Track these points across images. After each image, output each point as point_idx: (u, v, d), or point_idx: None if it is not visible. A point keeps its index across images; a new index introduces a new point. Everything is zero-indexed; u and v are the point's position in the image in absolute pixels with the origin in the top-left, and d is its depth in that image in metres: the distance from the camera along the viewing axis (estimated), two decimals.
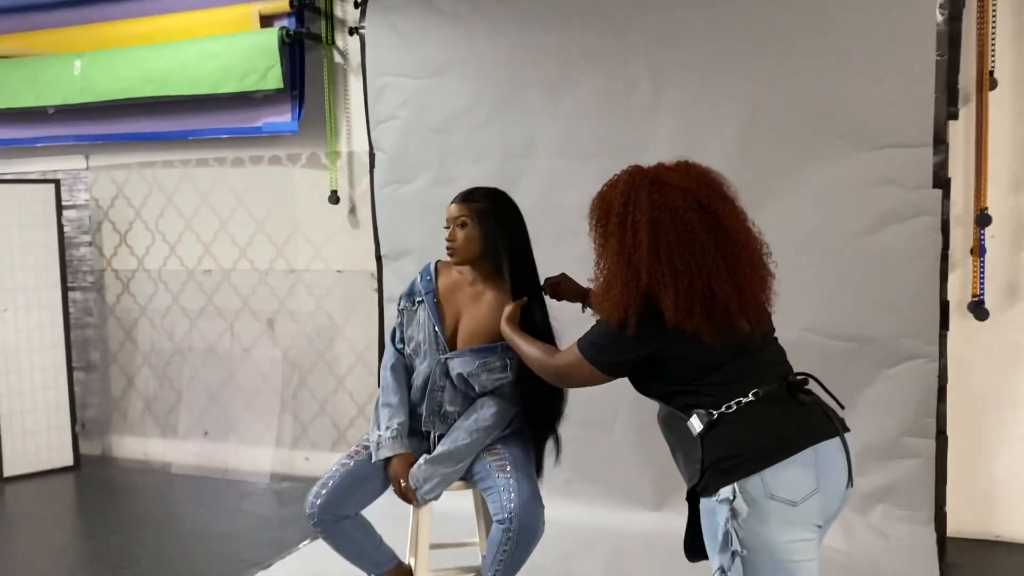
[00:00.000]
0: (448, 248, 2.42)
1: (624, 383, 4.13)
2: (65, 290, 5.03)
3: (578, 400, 3.71)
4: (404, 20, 4.13)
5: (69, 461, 5.05)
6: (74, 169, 5.28)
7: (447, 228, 2.43)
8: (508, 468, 2.29)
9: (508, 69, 3.98)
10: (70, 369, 5.06)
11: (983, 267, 3.52)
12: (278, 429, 4.85)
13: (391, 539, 2.62)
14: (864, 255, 3.50)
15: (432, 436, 2.48)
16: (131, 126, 4.89)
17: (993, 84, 3.44)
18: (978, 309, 3.53)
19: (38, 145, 5.20)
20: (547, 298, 2.48)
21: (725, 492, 1.65)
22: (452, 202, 2.44)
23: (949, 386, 3.52)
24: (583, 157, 3.89)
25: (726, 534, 1.64)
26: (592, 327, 1.87)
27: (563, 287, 2.47)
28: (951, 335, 3.51)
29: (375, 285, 4.48)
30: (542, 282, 2.44)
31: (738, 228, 1.80)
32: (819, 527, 1.72)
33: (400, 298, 2.56)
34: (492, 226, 2.38)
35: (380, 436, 2.39)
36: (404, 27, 4.13)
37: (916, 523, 3.53)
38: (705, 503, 1.74)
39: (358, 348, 4.70)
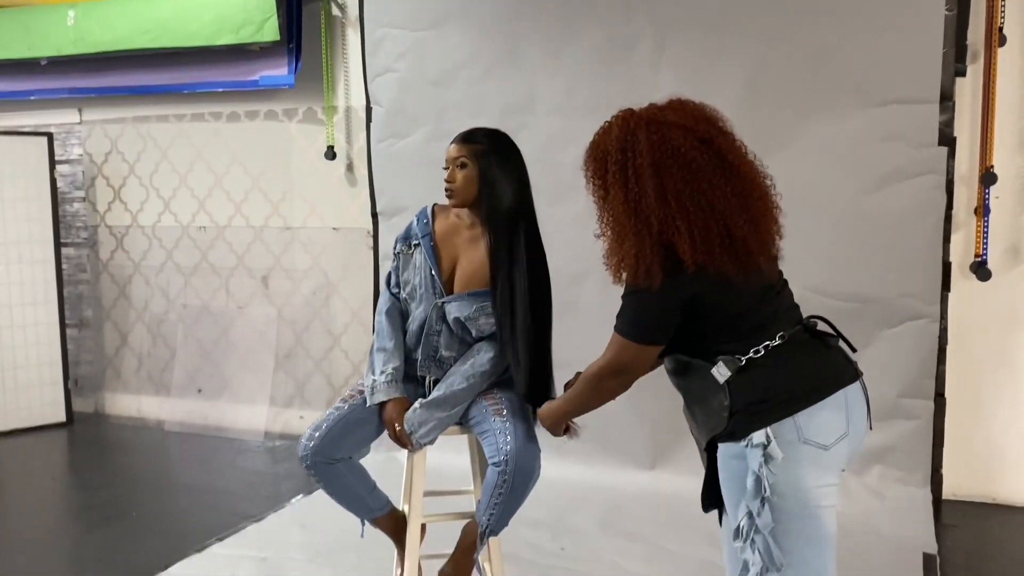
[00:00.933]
0: (447, 189, 2.36)
1: None
2: (58, 245, 4.98)
3: (573, 360, 3.69)
4: None
5: (62, 417, 5.02)
6: (67, 123, 5.21)
7: (446, 169, 2.38)
8: (505, 412, 2.25)
9: (508, 22, 3.91)
10: (63, 325, 5.02)
11: (987, 227, 3.48)
12: (272, 387, 4.83)
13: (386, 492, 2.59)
14: (867, 213, 3.46)
15: (428, 381, 2.44)
16: (125, 79, 4.81)
17: (1002, 40, 3.39)
18: (980, 269, 3.49)
19: (31, 98, 5.13)
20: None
21: (758, 437, 1.61)
22: (452, 142, 2.39)
23: (949, 348, 3.50)
24: (583, 113, 3.83)
25: (757, 479, 1.61)
26: (621, 307, 1.78)
27: None
28: (952, 296, 3.48)
29: (371, 243, 4.43)
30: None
31: (742, 161, 1.73)
32: (842, 471, 1.69)
33: (396, 241, 2.51)
34: (491, 167, 2.33)
35: (375, 381, 2.35)
36: None
37: (912, 484, 3.52)
38: (728, 448, 1.69)
39: (354, 306, 4.66)
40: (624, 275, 1.72)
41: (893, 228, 3.45)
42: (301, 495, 3.75)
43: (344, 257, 4.65)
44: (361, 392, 2.39)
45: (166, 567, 3.05)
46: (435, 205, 2.51)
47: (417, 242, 2.43)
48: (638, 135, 1.68)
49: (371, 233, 4.40)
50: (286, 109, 4.65)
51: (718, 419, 1.67)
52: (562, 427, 2.12)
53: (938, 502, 3.53)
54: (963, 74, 3.40)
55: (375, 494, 2.42)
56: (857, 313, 3.50)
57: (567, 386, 2.16)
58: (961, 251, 3.55)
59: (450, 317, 2.36)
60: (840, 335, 1.79)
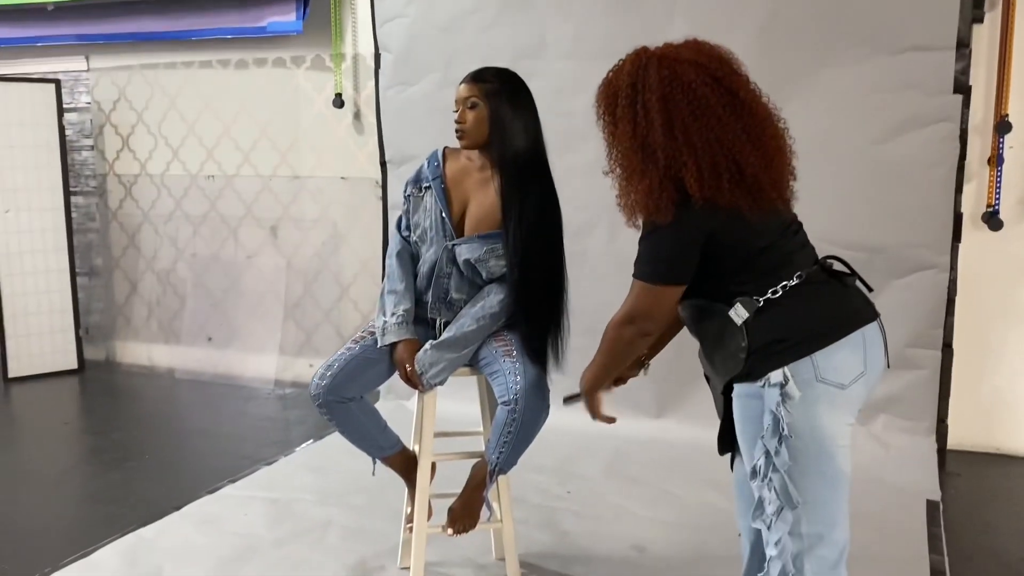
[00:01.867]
0: (457, 130, 2.35)
1: (624, 290, 4.10)
2: (67, 193, 4.99)
3: (582, 309, 3.69)
4: None
5: (73, 365, 5.07)
6: (75, 71, 5.18)
7: (456, 110, 2.37)
8: (514, 353, 2.27)
9: None
10: (73, 273, 5.05)
11: (1000, 177, 3.45)
12: (282, 336, 4.86)
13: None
14: (879, 162, 3.44)
15: (438, 323, 2.45)
16: (133, 25, 4.78)
17: None
18: (992, 220, 3.47)
19: (38, 45, 5.09)
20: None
21: (776, 376, 1.62)
22: (462, 82, 2.37)
23: (958, 298, 3.50)
24: (595, 58, 3.73)
25: (775, 418, 1.61)
26: (637, 254, 1.75)
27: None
28: (963, 246, 3.47)
29: (380, 193, 4.43)
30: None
31: (755, 100, 1.72)
32: (859, 411, 1.70)
33: (406, 184, 2.51)
34: (503, 107, 2.31)
35: (385, 322, 2.36)
36: None
37: (917, 434, 3.55)
38: (743, 388, 1.70)
39: (363, 256, 4.66)
40: (638, 216, 1.70)
41: (905, 177, 3.43)
42: (312, 440, 3.79)
43: (353, 207, 4.64)
44: (372, 333, 2.41)
45: (179, 507, 3.10)
46: (446, 148, 2.50)
47: (428, 185, 2.43)
48: (649, 70, 1.67)
49: (379, 182, 4.39)
50: (294, 56, 4.62)
51: (735, 361, 1.67)
52: (598, 392, 2.02)
53: (943, 451, 3.55)
54: (980, 21, 3.35)
55: (386, 433, 2.45)
56: (867, 262, 3.44)
57: (568, 400, 2.10)
58: (973, 201, 3.53)
59: (460, 259, 2.37)
60: (857, 275, 1.79)
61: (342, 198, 4.66)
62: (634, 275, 1.77)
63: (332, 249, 4.74)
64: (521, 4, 3.87)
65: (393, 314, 2.36)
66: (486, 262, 2.35)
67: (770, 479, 1.65)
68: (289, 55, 4.63)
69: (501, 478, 2.39)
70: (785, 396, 1.61)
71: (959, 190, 3.41)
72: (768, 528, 1.67)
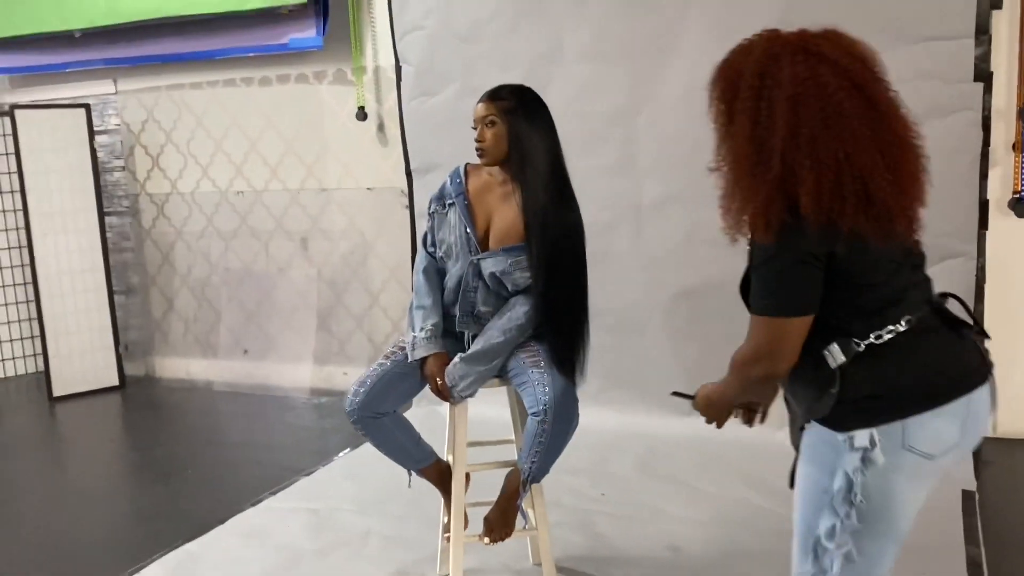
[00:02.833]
0: (477, 148, 2.40)
1: (656, 288, 4.11)
2: (101, 214, 5.10)
3: (609, 307, 3.74)
4: None
5: (114, 381, 5.20)
6: (104, 94, 5.29)
7: (475, 128, 2.41)
8: (542, 363, 2.31)
9: None
10: (111, 292, 5.17)
11: None
12: (315, 345, 4.94)
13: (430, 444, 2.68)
14: None
15: (466, 337, 2.51)
16: (158, 48, 4.88)
17: None
18: (1018, 205, 3.45)
19: (67, 71, 5.22)
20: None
21: (861, 439, 1.46)
22: (479, 101, 2.42)
23: (987, 285, 3.48)
24: (613, 60, 3.82)
25: (850, 483, 1.48)
26: (753, 286, 1.55)
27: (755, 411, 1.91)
28: (990, 233, 3.45)
29: (405, 202, 4.49)
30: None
31: (895, 114, 1.51)
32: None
33: (430, 201, 2.56)
34: (521, 123, 2.36)
35: (415, 337, 2.41)
36: None
37: None
38: (821, 433, 1.54)
39: (391, 264, 4.73)
40: (740, 227, 1.52)
41: (928, 166, 3.41)
42: (348, 449, 3.86)
43: (379, 216, 4.71)
44: (402, 348, 2.47)
45: (223, 520, 3.18)
46: (467, 164, 2.54)
47: (451, 201, 2.48)
48: (782, 62, 1.47)
49: (405, 192, 4.45)
50: (316, 71, 4.69)
51: (822, 405, 1.51)
52: (724, 419, 1.83)
53: None
54: (999, 6, 3.32)
55: (420, 445, 2.51)
56: None
57: (678, 395, 1.96)
58: (998, 188, 3.51)
59: (486, 273, 2.41)
60: (975, 319, 1.63)
61: (369, 208, 4.73)
62: (752, 310, 1.55)
63: (361, 258, 4.81)
64: (537, 11, 3.90)
65: (422, 329, 2.41)
66: (511, 274, 2.39)
67: (836, 544, 1.52)
68: (311, 70, 4.70)
69: (534, 486, 2.43)
70: (867, 461, 1.47)
71: (984, 177, 3.39)
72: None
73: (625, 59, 3.78)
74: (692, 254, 3.77)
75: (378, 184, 4.68)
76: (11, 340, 5.54)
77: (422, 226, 4.41)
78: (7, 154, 5.35)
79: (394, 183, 4.59)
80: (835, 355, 1.49)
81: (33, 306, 5.30)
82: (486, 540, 2.44)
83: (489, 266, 2.41)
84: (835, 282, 1.49)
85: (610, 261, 3.84)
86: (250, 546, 2.97)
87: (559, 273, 2.35)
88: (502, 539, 2.44)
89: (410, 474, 2.55)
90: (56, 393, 5.01)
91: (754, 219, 1.46)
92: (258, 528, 3.12)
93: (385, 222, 4.70)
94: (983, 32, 3.27)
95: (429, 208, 2.55)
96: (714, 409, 1.79)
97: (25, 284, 5.49)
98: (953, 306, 1.64)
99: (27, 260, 5.21)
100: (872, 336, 1.49)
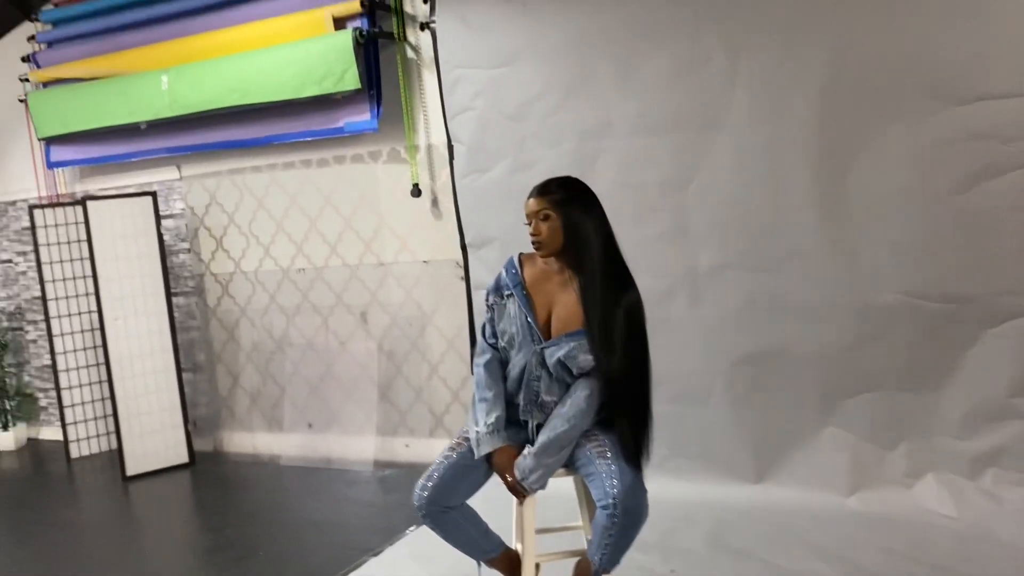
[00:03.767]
0: (534, 242, 2.45)
1: (717, 355, 4.08)
2: (169, 296, 5.28)
3: (669, 377, 3.73)
4: (473, 12, 4.16)
5: (185, 458, 5.32)
6: (168, 180, 5.51)
7: (528, 224, 2.47)
8: (609, 454, 2.32)
9: (578, 50, 3.98)
10: (179, 371, 5.32)
11: None
12: (378, 417, 5.01)
13: (497, 522, 2.69)
14: (962, 211, 3.39)
15: (530, 425, 2.53)
16: (219, 135, 5.07)
17: None
18: None
19: (134, 160, 5.45)
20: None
21: None
22: (529, 197, 2.48)
23: None
24: (660, 132, 3.87)
25: None
26: None
27: None
28: None
29: (461, 274, 4.56)
30: None
31: None
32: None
33: (487, 294, 2.61)
34: (573, 213, 2.41)
35: (479, 432, 2.45)
36: (474, 19, 4.17)
37: None
38: None
39: (448, 335, 4.79)
40: None
41: (988, 225, 3.37)
42: (414, 527, 3.89)
43: (436, 288, 4.79)
44: (467, 439, 2.50)
45: None
46: (521, 254, 2.59)
47: (509, 292, 2.52)
48: None
49: (460, 263, 4.53)
50: (371, 151, 4.83)
51: None
52: None
53: None
54: None
55: (488, 536, 2.53)
56: (956, 314, 3.44)
57: None
58: None
59: (550, 361, 2.44)
60: None
61: (425, 281, 4.82)
62: None
63: (419, 330, 4.89)
64: (583, 86, 3.98)
65: (486, 424, 2.44)
66: (575, 358, 2.42)
67: None
68: (366, 151, 4.84)
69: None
70: None
71: None
72: None
73: (673, 130, 3.83)
74: (752, 320, 3.76)
75: (434, 257, 4.77)
76: (85, 420, 5.72)
77: (478, 297, 4.51)
78: (80, 241, 5.59)
79: (449, 255, 4.68)
80: None
81: (106, 386, 5.48)
82: None
83: (553, 354, 2.44)
84: None
85: (668, 329, 3.84)
86: None
87: (621, 352, 2.37)
88: None
89: (479, 564, 2.57)
90: (129, 472, 5.15)
91: None
92: None
93: (442, 294, 4.78)
94: None
95: (487, 300, 2.60)
96: None
97: (98, 365, 5.69)
98: None
99: (100, 342, 5.39)
100: None
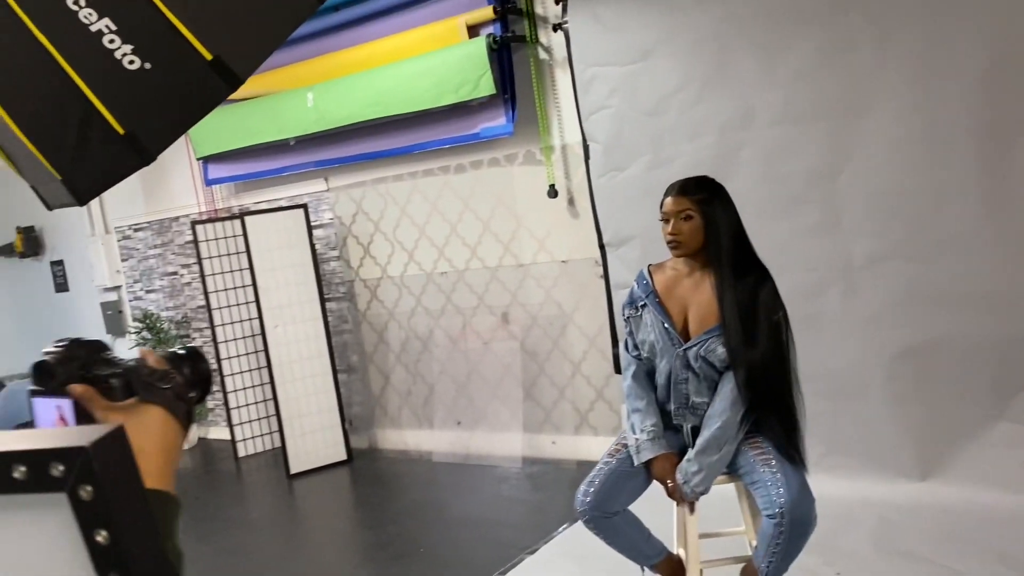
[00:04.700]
0: (672, 241, 2.47)
1: (875, 350, 3.94)
2: (323, 302, 5.54)
3: (823, 373, 3.63)
4: (606, 9, 4.15)
5: (343, 456, 5.58)
6: (317, 191, 5.78)
7: (665, 221, 2.48)
8: (773, 461, 2.30)
9: (716, 41, 3.90)
10: (335, 373, 5.58)
11: None
12: (523, 415, 5.10)
13: (657, 527, 2.71)
14: None
15: (684, 429, 2.54)
16: (362, 147, 5.28)
17: None
18: None
19: (284, 174, 5.74)
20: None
21: None
22: (668, 196, 2.50)
23: None
24: (805, 121, 3.75)
25: None
26: None
27: None
28: None
29: (600, 272, 4.58)
30: None
31: None
32: None
33: (623, 307, 2.68)
34: (715, 213, 2.41)
35: (638, 440, 2.47)
36: (606, 16, 4.16)
37: None
38: None
39: (590, 334, 4.82)
40: None
41: None
42: (566, 524, 3.95)
43: (575, 287, 4.82)
44: (625, 446, 2.53)
45: None
46: (649, 266, 2.63)
47: (643, 303, 2.55)
48: None
49: (599, 262, 4.54)
50: (507, 155, 4.90)
51: None
52: None
53: None
54: None
55: (651, 542, 2.55)
56: None
57: None
58: None
59: (694, 363, 2.44)
60: None
61: (564, 280, 4.86)
62: None
63: (560, 329, 4.94)
64: (722, 78, 3.91)
65: (643, 431, 2.46)
66: (715, 351, 2.42)
67: None
68: (502, 154, 4.92)
69: None
70: None
71: None
72: None
73: (819, 118, 3.71)
74: (912, 312, 3.60)
75: (572, 256, 4.80)
76: (250, 421, 6.09)
77: (618, 296, 4.51)
78: (239, 253, 5.94)
79: (588, 254, 4.70)
80: None
81: (268, 389, 5.82)
82: None
83: (695, 353, 2.44)
84: None
85: (820, 324, 3.73)
86: None
87: (761, 343, 2.36)
88: None
89: (642, 569, 2.59)
90: (293, 471, 5.45)
91: None
92: None
93: (582, 293, 4.81)
94: None
95: (624, 314, 2.66)
96: None
97: (259, 369, 6.04)
98: None
99: (261, 347, 5.73)
100: None
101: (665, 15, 4.01)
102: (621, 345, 2.71)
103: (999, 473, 3.49)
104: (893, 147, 3.57)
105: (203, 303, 6.31)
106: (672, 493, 2.41)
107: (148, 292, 6.87)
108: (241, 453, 6.05)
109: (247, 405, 6.08)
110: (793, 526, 2.20)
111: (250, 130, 5.62)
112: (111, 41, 1.38)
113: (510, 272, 5.06)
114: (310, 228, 5.51)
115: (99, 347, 0.86)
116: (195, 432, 6.71)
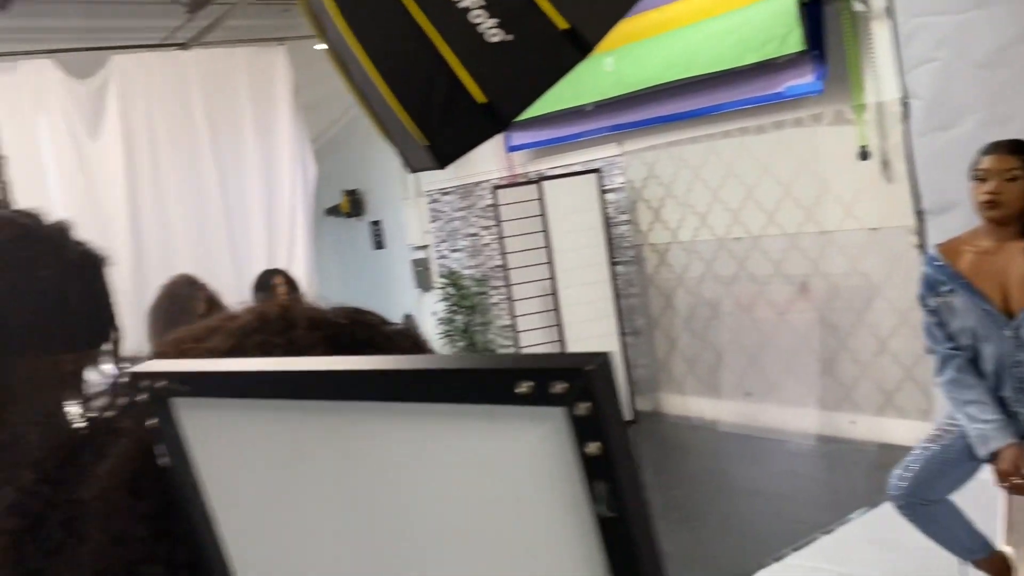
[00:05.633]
0: (988, 201, 2.22)
1: None
2: (612, 265, 5.64)
3: None
4: None
5: (628, 416, 5.68)
6: (609, 156, 5.86)
7: (981, 180, 2.23)
8: None
9: None
10: (622, 335, 5.67)
11: None
12: (820, 391, 4.86)
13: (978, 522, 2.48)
14: None
15: (1022, 415, 2.28)
16: (658, 110, 5.26)
17: None
18: None
19: (579, 139, 5.88)
20: None
21: None
22: (992, 153, 2.24)
23: None
24: None
25: None
26: None
27: None
28: None
29: (915, 241, 4.21)
30: None
31: None
32: None
33: (921, 298, 2.44)
34: None
35: (983, 429, 2.25)
36: None
37: None
38: None
39: (901, 308, 4.46)
40: None
41: None
42: (866, 508, 3.72)
43: (886, 258, 4.48)
44: (947, 430, 2.33)
45: (748, 573, 3.29)
46: (938, 247, 2.37)
47: (949, 288, 2.31)
48: None
49: (914, 230, 4.18)
50: (812, 114, 4.64)
51: None
52: None
53: None
54: None
55: (974, 536, 2.34)
56: None
57: None
58: None
59: None
60: None
61: (873, 250, 4.53)
62: None
63: (865, 302, 4.62)
64: None
65: (988, 420, 2.25)
66: None
67: None
68: (807, 114, 4.67)
69: None
70: None
71: None
72: None
73: None
74: None
75: (883, 224, 4.46)
76: None
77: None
78: (535, 216, 6.19)
79: (901, 222, 4.34)
80: None
81: (558, 347, 6.04)
82: None
83: None
84: None
85: None
86: None
87: None
88: None
89: (963, 562, 2.39)
90: None
91: None
92: None
93: (893, 264, 4.46)
94: None
95: (927, 304, 2.42)
96: None
97: (550, 327, 6.28)
98: None
99: (552, 306, 5.96)
100: None
101: None
102: (926, 339, 2.49)
103: None
104: None
105: (500, 263, 6.68)
106: (1017, 487, 2.18)
107: (453, 251, 7.39)
108: None
109: None
110: None
111: (550, 96, 5.76)
112: (477, 16, 1.48)
113: (811, 239, 4.82)
114: (602, 192, 5.61)
115: None
116: None
